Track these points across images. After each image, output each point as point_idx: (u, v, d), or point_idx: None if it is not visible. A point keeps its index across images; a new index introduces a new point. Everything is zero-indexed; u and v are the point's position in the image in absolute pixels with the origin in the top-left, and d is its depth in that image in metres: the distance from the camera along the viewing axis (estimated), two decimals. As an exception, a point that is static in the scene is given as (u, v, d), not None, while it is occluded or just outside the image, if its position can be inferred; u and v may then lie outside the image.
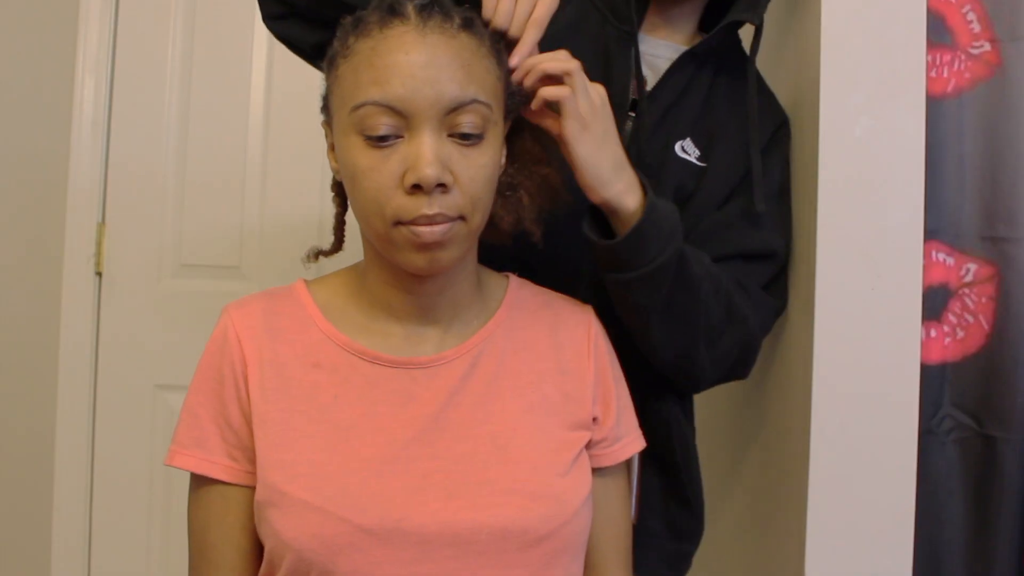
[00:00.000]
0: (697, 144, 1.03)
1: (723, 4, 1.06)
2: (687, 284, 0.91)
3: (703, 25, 1.09)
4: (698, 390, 1.07)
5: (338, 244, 0.93)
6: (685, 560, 1.10)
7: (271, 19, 1.00)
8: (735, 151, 1.02)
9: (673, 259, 0.88)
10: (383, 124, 0.73)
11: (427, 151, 0.73)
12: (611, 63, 1.02)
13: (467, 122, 0.74)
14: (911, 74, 0.97)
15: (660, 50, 1.05)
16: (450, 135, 0.75)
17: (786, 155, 1.07)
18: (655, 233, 0.86)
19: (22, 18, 1.80)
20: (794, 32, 1.12)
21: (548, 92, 0.82)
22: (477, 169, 0.75)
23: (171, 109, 1.81)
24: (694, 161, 1.02)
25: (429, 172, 0.72)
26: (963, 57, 1.04)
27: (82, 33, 1.78)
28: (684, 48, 1.05)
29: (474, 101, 0.75)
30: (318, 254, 0.92)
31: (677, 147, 1.02)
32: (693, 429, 1.10)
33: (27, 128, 1.80)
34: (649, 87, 1.04)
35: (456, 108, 0.74)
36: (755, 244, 1.00)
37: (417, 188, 0.73)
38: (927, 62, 1.00)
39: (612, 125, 0.85)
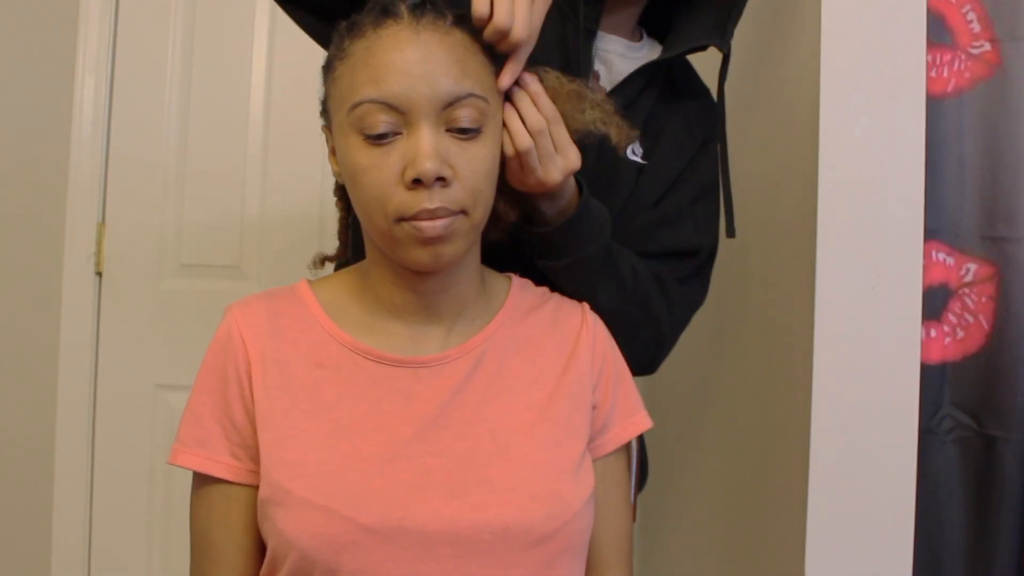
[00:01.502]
0: (643, 145, 1.05)
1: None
2: (612, 278, 0.94)
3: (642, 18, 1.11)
4: None
5: (343, 249, 0.93)
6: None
7: None
8: (674, 152, 1.05)
9: (600, 252, 0.92)
10: (381, 121, 0.74)
11: (425, 146, 0.73)
12: (570, 59, 1.03)
13: (464, 116, 0.75)
14: (911, 74, 0.97)
15: (611, 46, 1.07)
16: (448, 130, 0.75)
17: (715, 149, 1.08)
18: (584, 227, 0.90)
19: (22, 18, 1.80)
20: (794, 32, 1.12)
21: (519, 143, 0.81)
22: (477, 162, 0.76)
23: (171, 109, 1.81)
24: (639, 160, 1.05)
25: (428, 166, 0.72)
26: (963, 57, 1.04)
27: (82, 33, 1.78)
28: (629, 43, 1.08)
29: (470, 95, 0.75)
30: (324, 260, 0.92)
31: (629, 150, 1.04)
32: None
33: (27, 128, 1.80)
34: (601, 81, 1.05)
35: (452, 102, 0.74)
36: (681, 242, 1.03)
37: (417, 183, 0.73)
38: (927, 62, 1.00)
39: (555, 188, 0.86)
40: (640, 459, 1.13)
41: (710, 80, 1.09)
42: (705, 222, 1.05)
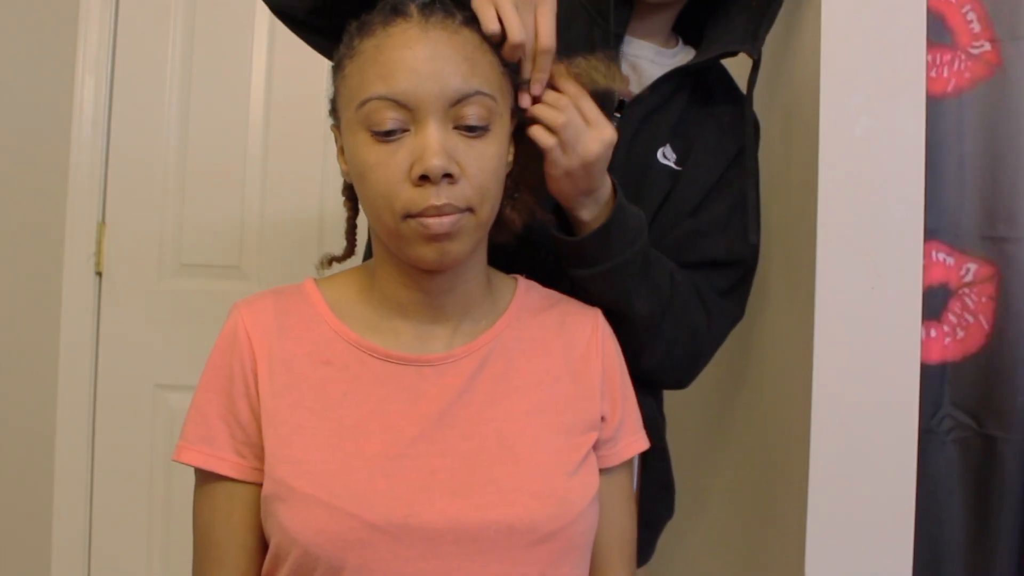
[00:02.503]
0: (675, 149, 1.04)
1: (699, 5, 1.07)
2: (647, 285, 0.93)
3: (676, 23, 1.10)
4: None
5: (350, 249, 0.94)
6: (651, 547, 1.11)
7: None
8: (711, 157, 1.04)
9: (636, 259, 0.91)
10: (389, 118, 0.74)
11: (433, 142, 0.73)
12: None
13: (472, 114, 0.75)
14: (911, 74, 0.97)
15: (641, 51, 1.06)
16: (456, 127, 0.75)
17: (753, 157, 1.07)
18: (619, 233, 0.90)
19: (22, 18, 1.80)
20: (794, 32, 1.12)
21: (540, 138, 0.83)
22: (484, 160, 0.76)
23: (171, 109, 1.80)
24: (672, 166, 1.04)
25: (436, 162, 0.72)
26: (963, 57, 1.04)
27: (82, 33, 1.78)
28: (661, 48, 1.07)
29: (478, 93, 0.75)
30: (331, 260, 0.92)
31: (659, 154, 1.04)
32: (664, 419, 1.11)
33: (27, 128, 1.80)
34: (631, 86, 1.05)
35: (460, 100, 0.75)
36: (721, 252, 1.02)
37: (424, 179, 0.73)
38: (927, 62, 1.00)
39: (599, 172, 0.87)
40: (666, 481, 1.11)
41: (741, 84, 1.08)
42: (745, 232, 1.04)
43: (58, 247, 1.78)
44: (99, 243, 1.79)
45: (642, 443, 0.91)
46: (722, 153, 1.05)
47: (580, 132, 0.83)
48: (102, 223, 1.80)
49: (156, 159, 1.80)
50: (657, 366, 0.97)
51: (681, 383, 1.04)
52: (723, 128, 1.05)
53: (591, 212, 0.89)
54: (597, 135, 0.84)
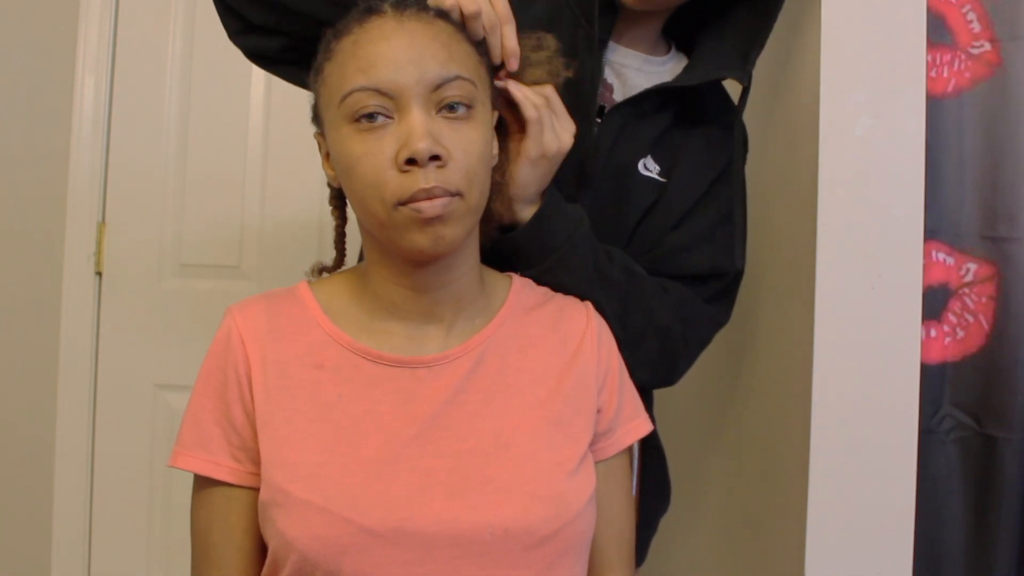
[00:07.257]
0: (658, 161, 1.04)
1: (690, 10, 1.06)
2: (604, 280, 0.94)
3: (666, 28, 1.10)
4: None
5: (340, 258, 0.94)
6: (646, 547, 1.11)
7: (234, 34, 1.02)
8: (697, 170, 1.03)
9: (583, 245, 0.92)
10: (372, 107, 0.75)
11: (418, 126, 0.74)
12: (581, 67, 1.01)
13: (454, 97, 0.76)
14: (911, 74, 0.97)
15: (627, 59, 1.06)
16: (439, 113, 0.76)
17: (740, 172, 1.07)
18: (557, 219, 0.92)
19: (22, 18, 1.80)
20: (794, 32, 1.12)
21: (527, 111, 0.87)
22: (469, 143, 0.76)
23: (171, 109, 1.81)
24: (655, 177, 1.03)
25: (422, 145, 0.73)
26: (963, 57, 1.04)
27: (82, 33, 1.78)
28: (648, 56, 1.06)
29: (458, 77, 0.76)
30: (322, 270, 0.92)
31: (640, 165, 1.03)
32: (654, 420, 1.10)
33: (27, 128, 1.80)
34: (615, 94, 1.05)
35: (441, 84, 0.75)
36: (708, 267, 1.03)
37: (412, 163, 0.74)
38: (927, 62, 1.00)
39: (556, 168, 0.91)
40: (661, 479, 1.11)
41: (733, 95, 1.07)
42: (732, 246, 1.04)
43: (58, 247, 1.78)
44: (99, 243, 1.79)
45: (644, 427, 0.91)
46: (709, 166, 1.04)
47: (559, 118, 0.88)
48: (102, 223, 1.80)
49: (156, 159, 1.80)
50: (632, 364, 0.97)
51: (665, 382, 1.04)
52: (710, 142, 1.04)
53: (529, 211, 0.91)
54: (569, 127, 0.89)
